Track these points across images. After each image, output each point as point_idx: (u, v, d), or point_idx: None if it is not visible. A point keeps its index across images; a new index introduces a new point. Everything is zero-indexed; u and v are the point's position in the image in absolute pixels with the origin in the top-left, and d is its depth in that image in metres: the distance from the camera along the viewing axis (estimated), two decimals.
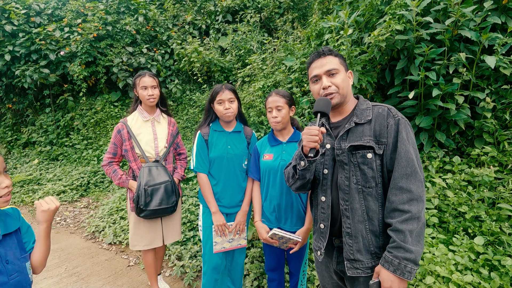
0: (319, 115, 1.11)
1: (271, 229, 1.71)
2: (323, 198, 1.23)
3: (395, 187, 1.05)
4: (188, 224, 2.98)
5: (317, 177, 1.27)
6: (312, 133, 1.06)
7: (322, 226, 1.23)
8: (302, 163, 1.13)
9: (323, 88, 1.18)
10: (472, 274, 1.92)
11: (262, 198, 1.82)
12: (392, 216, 1.04)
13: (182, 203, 2.86)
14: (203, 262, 1.97)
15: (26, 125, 6.54)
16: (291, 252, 1.67)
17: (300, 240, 1.61)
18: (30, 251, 1.12)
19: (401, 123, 1.10)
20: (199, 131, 1.92)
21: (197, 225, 3.04)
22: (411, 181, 1.04)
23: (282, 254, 1.85)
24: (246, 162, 1.94)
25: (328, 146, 1.23)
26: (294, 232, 1.69)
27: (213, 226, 1.87)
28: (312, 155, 1.08)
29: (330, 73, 1.19)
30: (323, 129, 1.08)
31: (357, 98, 1.28)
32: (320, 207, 1.24)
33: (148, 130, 2.07)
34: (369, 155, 1.11)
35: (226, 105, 1.82)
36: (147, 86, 2.03)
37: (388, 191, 1.08)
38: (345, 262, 1.16)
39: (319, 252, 1.26)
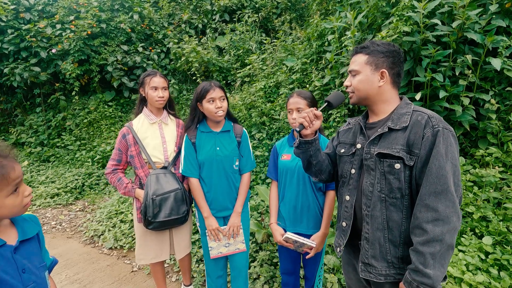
0: (326, 103, 1.26)
1: (286, 231, 1.67)
2: (347, 198, 1.22)
3: (421, 204, 1.00)
4: (193, 227, 2.91)
5: (344, 175, 1.26)
6: (305, 112, 1.21)
7: (344, 224, 1.23)
8: (296, 141, 1.28)
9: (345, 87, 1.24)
10: (482, 274, 1.94)
11: (279, 199, 1.78)
12: (414, 233, 1.01)
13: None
14: (204, 262, 1.93)
15: (15, 125, 6.29)
16: (306, 257, 1.63)
17: (314, 245, 1.56)
18: (48, 267, 1.05)
19: (440, 134, 1.00)
20: (185, 134, 1.85)
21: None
22: (439, 199, 0.97)
23: (298, 257, 1.82)
24: (237, 163, 1.88)
25: (358, 146, 1.20)
26: (309, 236, 1.66)
27: (206, 231, 1.82)
28: (298, 129, 1.20)
29: (352, 73, 1.21)
30: (316, 112, 1.21)
31: (402, 99, 1.20)
32: (344, 206, 1.24)
33: (155, 134, 1.95)
34: (397, 166, 1.05)
35: (217, 104, 1.73)
36: (157, 87, 1.91)
37: (415, 207, 1.02)
38: (359, 264, 1.16)
39: (338, 249, 1.27)
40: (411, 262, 1.04)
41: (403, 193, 1.06)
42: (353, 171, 1.21)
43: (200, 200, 1.80)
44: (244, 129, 1.95)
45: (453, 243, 0.98)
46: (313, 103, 1.67)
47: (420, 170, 1.03)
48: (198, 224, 1.95)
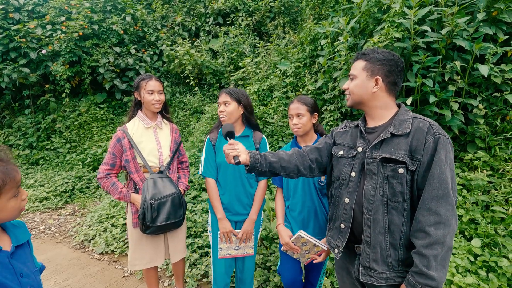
0: (227, 137, 1.29)
1: (293, 233, 1.64)
2: (346, 200, 1.22)
3: (424, 208, 1.03)
4: (187, 231, 2.89)
5: (342, 177, 1.26)
6: (223, 148, 1.25)
7: (342, 225, 1.24)
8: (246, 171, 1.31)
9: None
10: (471, 276, 1.98)
11: (285, 205, 1.78)
12: (417, 236, 1.04)
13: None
14: (213, 268, 1.93)
15: (2, 127, 6.15)
16: (315, 261, 1.60)
17: (326, 248, 1.55)
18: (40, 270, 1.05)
19: (441, 141, 1.05)
20: (208, 136, 1.92)
21: (195, 231, 2.97)
22: (441, 203, 1.01)
23: (301, 269, 1.81)
24: None
25: (359, 149, 1.21)
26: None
27: (218, 232, 1.83)
28: (236, 161, 1.22)
29: (350, 77, 1.26)
30: (230, 142, 1.26)
31: (399, 106, 1.23)
32: (343, 208, 1.24)
33: (150, 138, 1.94)
34: (401, 170, 1.08)
35: (220, 108, 1.83)
36: (154, 91, 1.90)
37: (417, 210, 1.06)
38: (359, 268, 1.17)
39: (336, 250, 1.26)
40: (410, 264, 1.07)
41: (404, 197, 1.09)
42: (353, 174, 1.22)
43: (215, 201, 1.83)
44: (264, 136, 1.98)
45: (452, 245, 1.01)
46: (313, 108, 1.67)
47: (422, 175, 1.07)
48: (209, 228, 1.95)
